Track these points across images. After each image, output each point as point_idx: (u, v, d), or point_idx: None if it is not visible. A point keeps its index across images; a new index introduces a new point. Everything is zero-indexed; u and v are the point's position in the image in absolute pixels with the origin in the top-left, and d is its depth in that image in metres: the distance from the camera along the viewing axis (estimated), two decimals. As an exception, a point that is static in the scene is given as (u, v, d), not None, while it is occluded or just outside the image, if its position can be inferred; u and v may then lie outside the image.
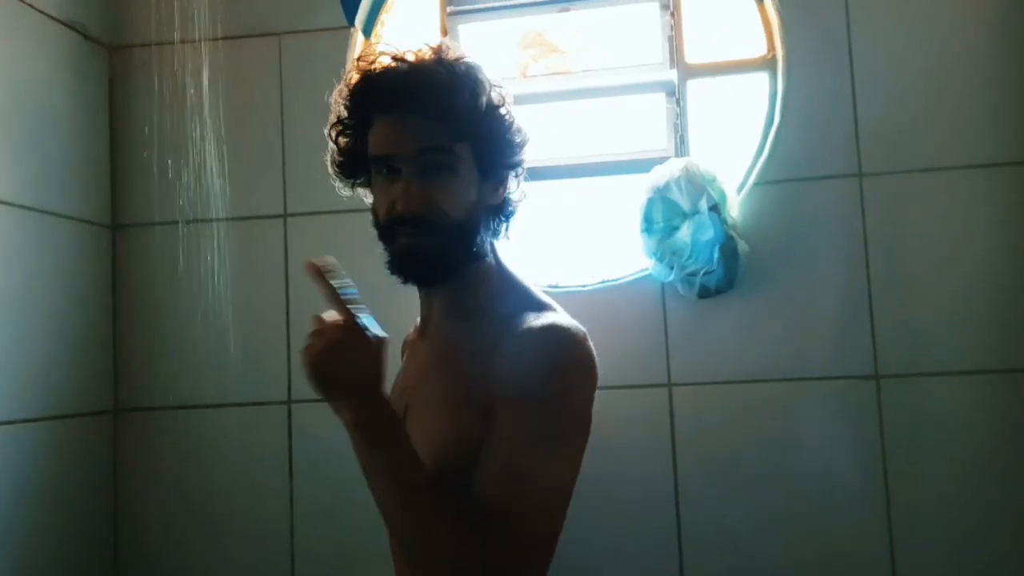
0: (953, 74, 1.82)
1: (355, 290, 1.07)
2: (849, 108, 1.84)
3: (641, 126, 2.03)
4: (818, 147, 1.85)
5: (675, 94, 1.95)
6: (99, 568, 1.96)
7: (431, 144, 1.15)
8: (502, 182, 1.24)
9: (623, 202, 1.95)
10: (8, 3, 1.76)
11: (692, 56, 1.97)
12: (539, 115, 1.99)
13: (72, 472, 1.89)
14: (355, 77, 1.20)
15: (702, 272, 1.75)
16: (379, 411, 1.05)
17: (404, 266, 1.19)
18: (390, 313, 1.77)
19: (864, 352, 1.79)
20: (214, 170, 2.02)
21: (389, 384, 1.14)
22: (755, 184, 1.87)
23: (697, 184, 1.76)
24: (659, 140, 1.98)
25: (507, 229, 1.28)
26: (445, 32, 2.06)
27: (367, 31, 2.07)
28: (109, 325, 2.04)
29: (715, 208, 1.76)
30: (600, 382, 1.18)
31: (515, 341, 1.11)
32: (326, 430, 1.91)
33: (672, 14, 1.97)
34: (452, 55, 1.19)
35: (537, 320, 1.14)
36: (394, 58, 1.18)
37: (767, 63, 1.94)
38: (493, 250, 1.25)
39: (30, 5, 1.82)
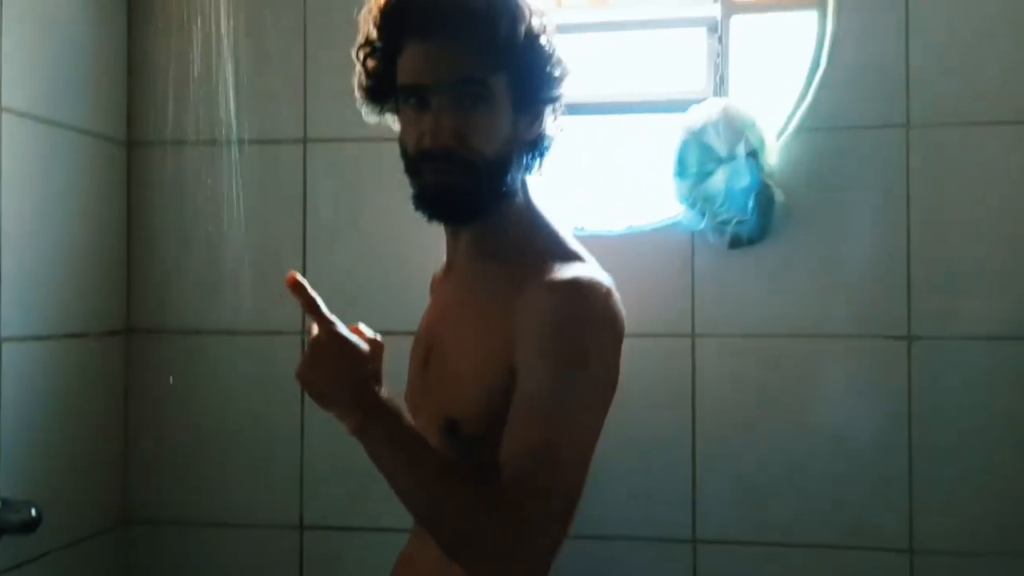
0: (1015, 25, 1.72)
1: None
2: (901, 54, 1.74)
3: (678, 63, 1.94)
4: (865, 94, 1.76)
5: (717, 30, 1.86)
6: (107, 486, 1.96)
7: (466, 75, 1.08)
8: (538, 116, 1.16)
9: (655, 143, 1.87)
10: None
11: (738, -9, 1.87)
12: (571, 47, 1.89)
13: (83, 391, 1.87)
14: None
15: (735, 221, 1.69)
16: (378, 416, 1.02)
17: (431, 203, 1.13)
18: (413, 251, 1.76)
19: (899, 312, 1.73)
20: (232, 89, 1.95)
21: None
22: (796, 130, 1.78)
23: (735, 128, 1.68)
24: (697, 79, 1.89)
25: (540, 166, 1.20)
26: (479, -46, 1.95)
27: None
28: (123, 244, 2.00)
29: (753, 154, 1.68)
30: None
31: (539, 294, 1.06)
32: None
33: (720, -55, 1.86)
34: None
35: (562, 271, 1.08)
36: None
37: (817, 1, 1.83)
38: (524, 188, 1.18)
39: (46, -94, 1.75)
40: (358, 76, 1.20)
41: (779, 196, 1.71)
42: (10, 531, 1.55)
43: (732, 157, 1.68)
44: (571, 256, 1.13)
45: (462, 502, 1.00)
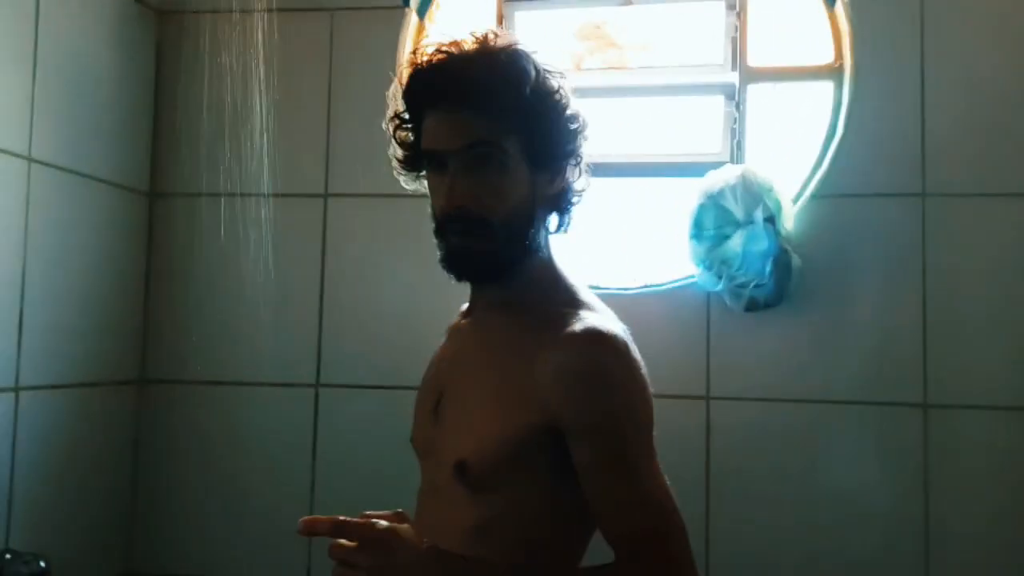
0: (1030, 95, 1.74)
1: None
2: (917, 124, 1.77)
3: (696, 129, 1.97)
4: (881, 162, 1.78)
5: (735, 97, 1.89)
6: (114, 538, 1.94)
7: (475, 139, 1.11)
8: (559, 172, 1.18)
9: (672, 205, 1.89)
10: (61, -39, 1.74)
11: (755, 59, 1.90)
12: (592, 110, 1.92)
13: (94, 439, 1.86)
14: (407, 72, 1.17)
15: (752, 284, 1.69)
16: (462, 568, 1.01)
17: (455, 265, 1.16)
18: (429, 305, 1.75)
19: (915, 379, 1.73)
20: (256, 145, 1.98)
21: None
22: (812, 196, 1.80)
23: (754, 193, 1.70)
24: (714, 144, 1.92)
25: (567, 221, 1.22)
26: (501, 18, 2.00)
27: (421, 12, 2.02)
28: (141, 294, 2.01)
29: (770, 219, 1.70)
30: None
31: (565, 351, 1.07)
32: (352, 415, 1.92)
33: (738, 15, 1.90)
34: (498, 43, 1.13)
35: (580, 323, 1.09)
36: (437, 50, 1.14)
37: (833, 72, 1.87)
38: (547, 244, 1.20)
39: (82, -36, 1.80)
40: (392, 147, 1.24)
41: (796, 261, 1.72)
42: (18, 583, 1.54)
43: (750, 221, 1.69)
44: (588, 307, 1.14)
45: None
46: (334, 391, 1.93)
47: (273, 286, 1.96)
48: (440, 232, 1.15)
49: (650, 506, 1.05)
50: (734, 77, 1.89)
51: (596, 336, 1.08)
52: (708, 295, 1.80)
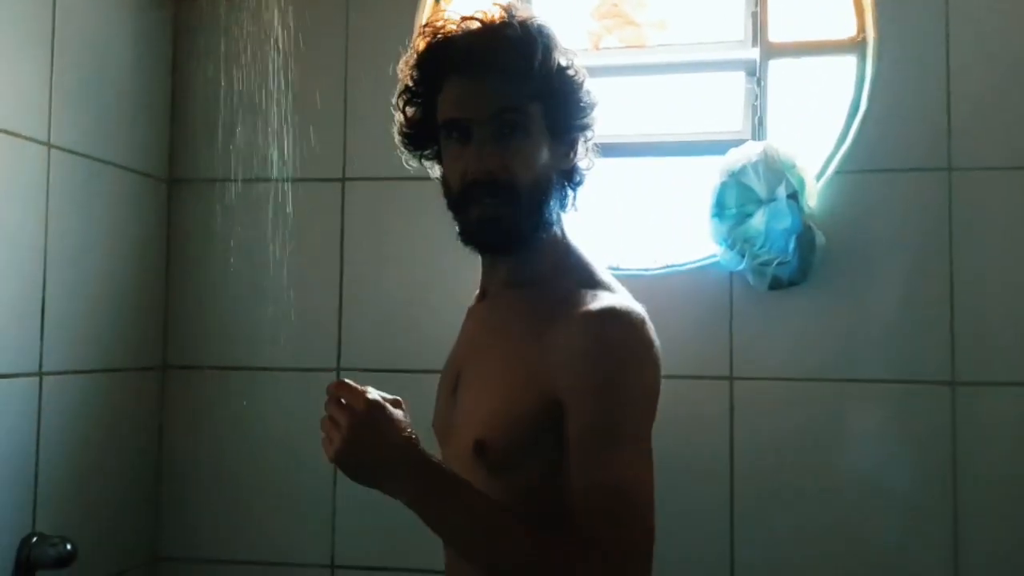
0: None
1: None
2: (942, 96, 1.74)
3: (716, 106, 1.94)
4: (906, 137, 1.75)
5: (755, 74, 1.86)
6: (140, 522, 1.96)
7: (507, 104, 1.11)
8: (572, 146, 1.19)
9: (693, 184, 1.87)
10: (76, -53, 1.74)
11: (776, 35, 1.87)
12: (610, 89, 1.91)
13: (119, 425, 1.88)
14: (423, 43, 1.16)
15: (775, 262, 1.67)
16: (435, 476, 1.02)
17: (481, 235, 1.14)
18: (447, 288, 1.75)
19: (942, 356, 1.71)
20: (273, 129, 1.98)
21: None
22: (836, 172, 1.78)
23: (776, 170, 1.67)
24: (735, 121, 1.89)
25: (575, 199, 1.22)
26: (518, -3, 1.98)
27: (437, -7, 2.01)
28: (161, 280, 2.02)
29: (793, 196, 1.67)
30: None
31: (574, 326, 1.07)
32: (373, 400, 1.92)
33: (758, -11, 1.87)
34: (522, 15, 1.15)
35: (595, 302, 1.09)
36: (463, 19, 1.14)
37: (856, 45, 1.84)
38: (559, 221, 1.20)
39: (98, -50, 1.79)
40: (398, 124, 1.23)
41: (820, 238, 1.70)
42: (46, 566, 1.55)
43: (772, 198, 1.67)
44: (603, 286, 1.14)
45: (544, 553, 0.99)
46: (356, 375, 1.92)
47: (292, 270, 1.96)
48: (460, 203, 1.14)
49: (612, 490, 1.00)
50: (755, 53, 1.86)
51: (610, 312, 1.08)
52: (731, 274, 1.78)
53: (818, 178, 1.78)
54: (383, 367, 1.91)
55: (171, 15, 2.04)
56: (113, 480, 1.86)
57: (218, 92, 2.00)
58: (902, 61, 1.77)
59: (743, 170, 1.70)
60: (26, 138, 1.62)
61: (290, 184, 1.98)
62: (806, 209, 1.69)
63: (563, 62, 1.15)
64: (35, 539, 1.57)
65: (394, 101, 1.22)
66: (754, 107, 1.86)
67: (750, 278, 1.73)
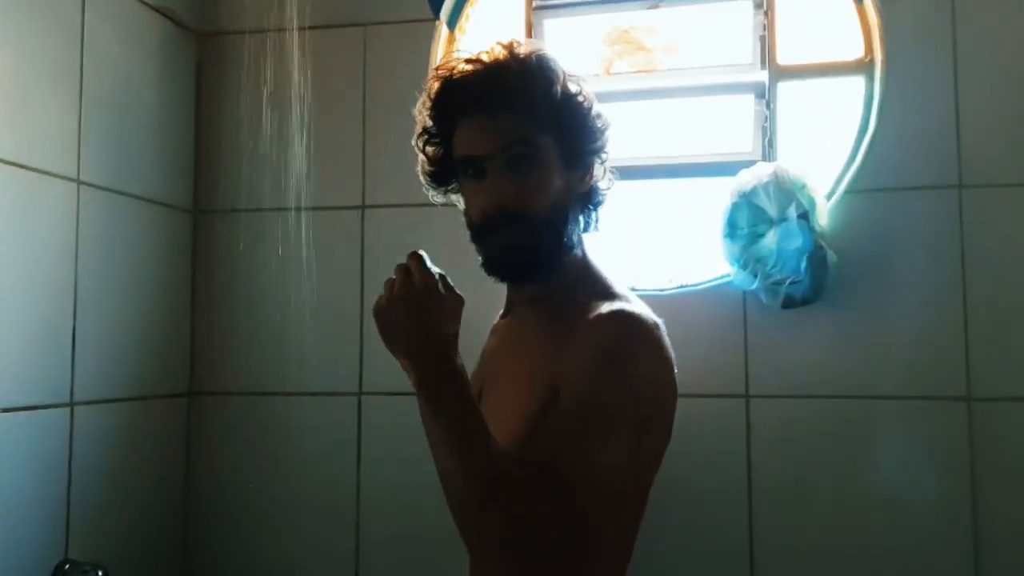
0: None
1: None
2: (951, 114, 1.75)
3: (726, 128, 1.97)
4: (915, 156, 1.77)
5: (764, 96, 1.89)
6: (171, 544, 2.00)
7: (515, 138, 1.15)
8: (588, 170, 1.23)
9: (705, 206, 1.90)
10: (103, -11, 1.80)
11: (784, 57, 1.90)
12: (622, 113, 1.94)
13: (147, 452, 1.92)
14: (435, 86, 1.21)
15: (787, 281, 1.69)
16: (443, 370, 1.06)
17: (501, 264, 1.19)
18: (467, 313, 1.77)
19: (957, 372, 1.71)
20: (295, 160, 2.03)
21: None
22: (846, 192, 1.80)
23: (786, 190, 1.70)
24: (745, 143, 1.92)
25: (596, 220, 1.27)
26: (530, 27, 2.03)
27: (451, 24, 2.06)
28: (187, 310, 2.07)
29: (804, 216, 1.69)
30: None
31: (585, 327, 1.11)
32: (394, 423, 1.95)
33: (766, 13, 1.90)
34: (524, 50, 1.19)
35: (608, 307, 1.13)
36: (467, 61, 1.19)
37: (864, 66, 1.86)
38: (581, 242, 1.25)
39: (123, -9, 1.86)
40: (421, 164, 1.28)
41: (832, 257, 1.72)
42: (79, 591, 1.59)
43: (783, 218, 1.70)
44: (620, 298, 1.17)
45: (504, 477, 1.02)
46: (376, 399, 1.96)
47: (314, 297, 2.00)
48: (480, 236, 1.19)
49: (572, 454, 1.02)
50: (763, 75, 1.89)
51: (620, 313, 1.12)
52: (744, 294, 1.80)
53: (828, 198, 1.80)
54: (404, 391, 1.92)
55: (194, 52, 2.10)
56: (142, 506, 1.90)
57: (240, 125, 2.05)
58: (910, 81, 1.79)
59: (754, 191, 1.73)
60: (56, 175, 1.68)
61: (311, 213, 2.02)
62: (817, 228, 1.71)
63: (570, 90, 1.19)
64: (68, 566, 1.62)
65: (414, 142, 1.27)
66: (764, 128, 1.89)
67: (763, 297, 1.74)
